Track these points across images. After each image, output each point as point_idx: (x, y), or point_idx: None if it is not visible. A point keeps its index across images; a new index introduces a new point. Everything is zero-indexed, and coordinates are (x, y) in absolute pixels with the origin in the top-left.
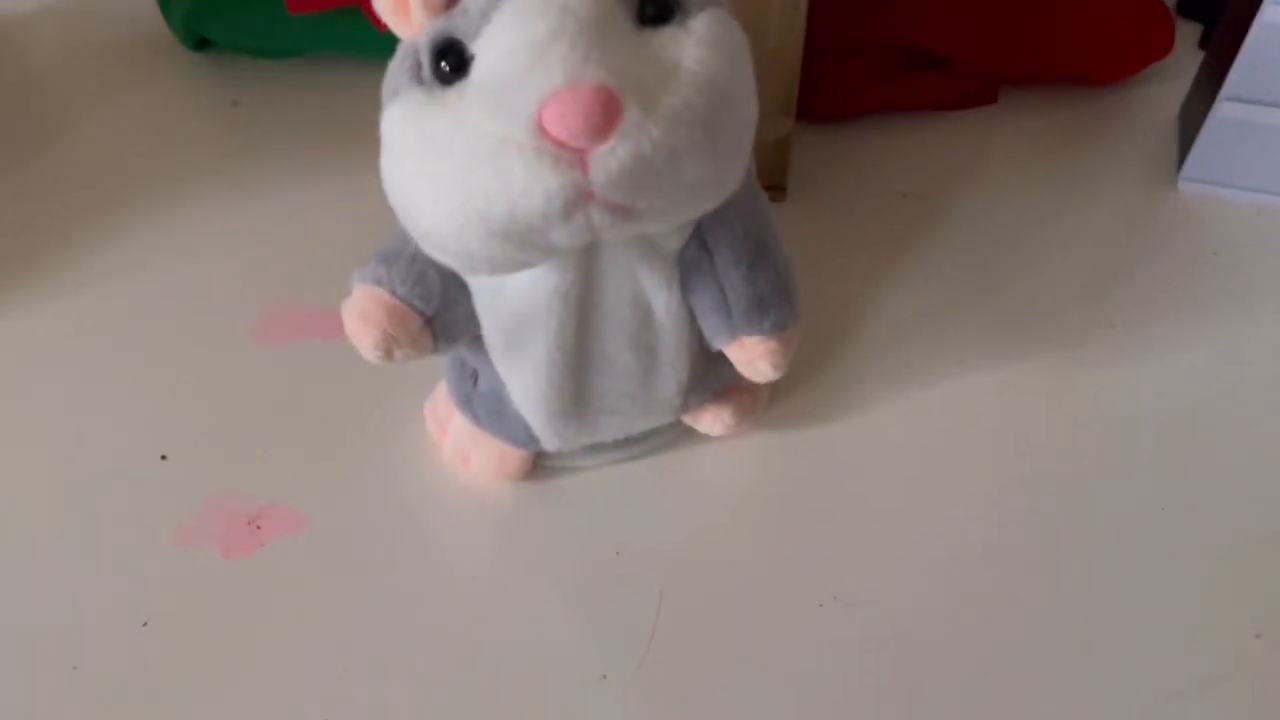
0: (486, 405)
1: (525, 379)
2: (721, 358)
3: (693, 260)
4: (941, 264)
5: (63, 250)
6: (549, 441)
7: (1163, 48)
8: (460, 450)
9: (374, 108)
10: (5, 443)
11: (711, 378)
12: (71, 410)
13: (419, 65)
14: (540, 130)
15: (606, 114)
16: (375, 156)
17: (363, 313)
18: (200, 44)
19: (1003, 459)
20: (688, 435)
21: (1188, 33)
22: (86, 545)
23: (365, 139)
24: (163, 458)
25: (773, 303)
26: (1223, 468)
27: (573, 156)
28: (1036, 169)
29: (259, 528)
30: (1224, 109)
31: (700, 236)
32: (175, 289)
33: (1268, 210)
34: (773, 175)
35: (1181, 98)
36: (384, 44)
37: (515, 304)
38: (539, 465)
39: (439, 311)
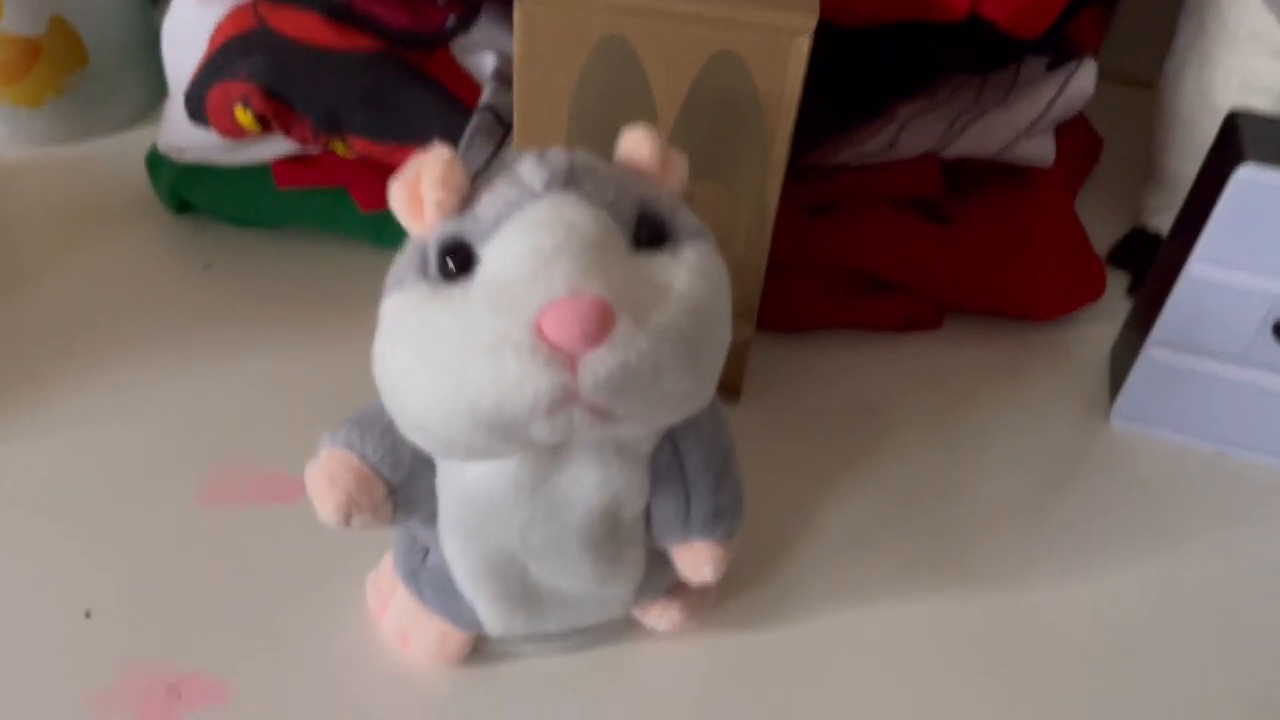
0: (433, 582)
1: (473, 564)
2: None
3: (664, 465)
4: (890, 478)
5: (13, 397)
6: (493, 627)
7: (1095, 291)
8: (400, 628)
9: (343, 280)
10: None
11: (661, 575)
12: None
13: (425, 261)
14: (538, 332)
15: (601, 324)
16: (340, 326)
17: (330, 475)
18: (182, 207)
19: (944, 676)
20: (633, 628)
21: (1116, 281)
22: None
23: (331, 309)
24: (87, 615)
25: (729, 513)
26: (1157, 691)
27: (564, 359)
28: (980, 394)
29: (179, 696)
30: (1153, 352)
31: (673, 441)
32: (125, 444)
33: (1195, 453)
34: (731, 377)
35: (1112, 338)
36: (362, 224)
37: (475, 488)
38: (479, 649)
39: (404, 483)
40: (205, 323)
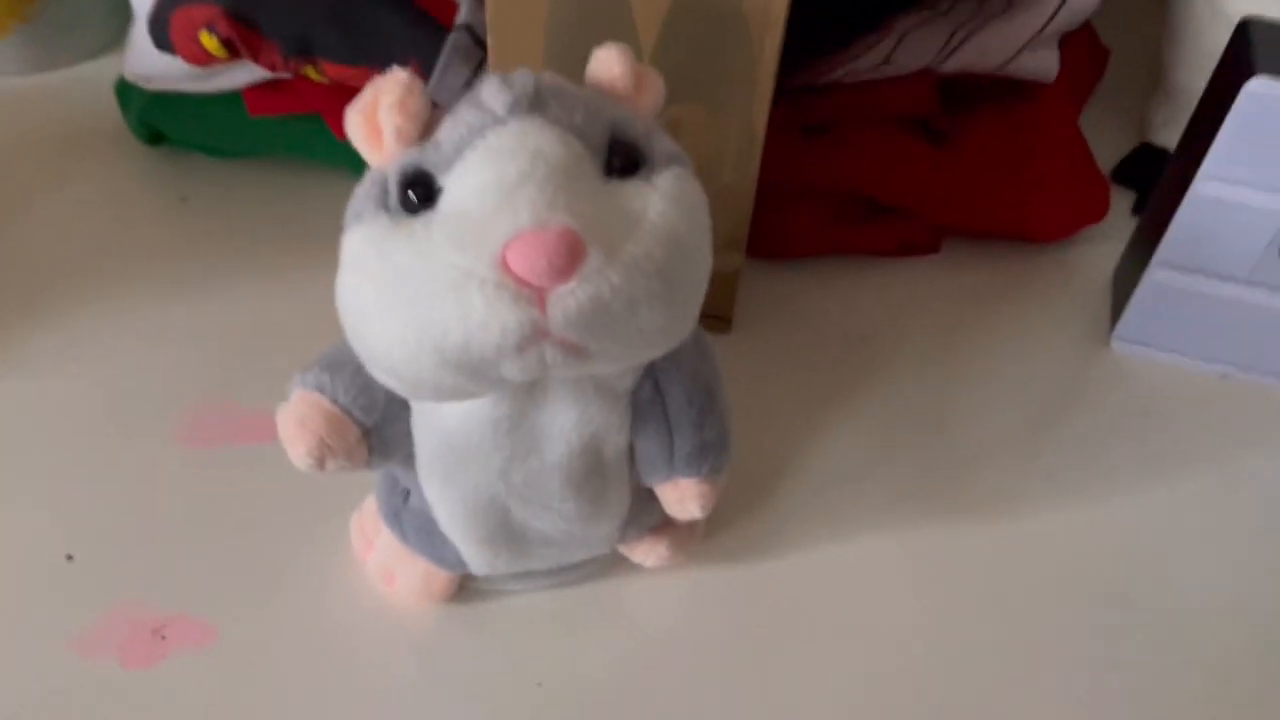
0: (415, 523)
1: (454, 506)
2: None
3: (646, 401)
4: (882, 406)
5: None
6: (477, 567)
7: (1098, 212)
8: (384, 568)
9: (323, 212)
10: None
11: (647, 512)
12: None
13: (386, 192)
14: (503, 267)
15: (569, 256)
16: (320, 260)
17: (300, 418)
18: (155, 139)
19: (937, 604)
20: (619, 564)
21: (1121, 199)
22: None
23: (311, 242)
24: (69, 558)
25: (714, 449)
26: (1154, 617)
27: (532, 294)
28: (977, 319)
29: (164, 638)
30: (1156, 274)
31: (653, 377)
32: (102, 382)
33: (1198, 375)
34: (721, 306)
35: (1115, 260)
36: (339, 151)
37: (451, 429)
38: (465, 587)
39: (378, 425)
40: (182, 258)
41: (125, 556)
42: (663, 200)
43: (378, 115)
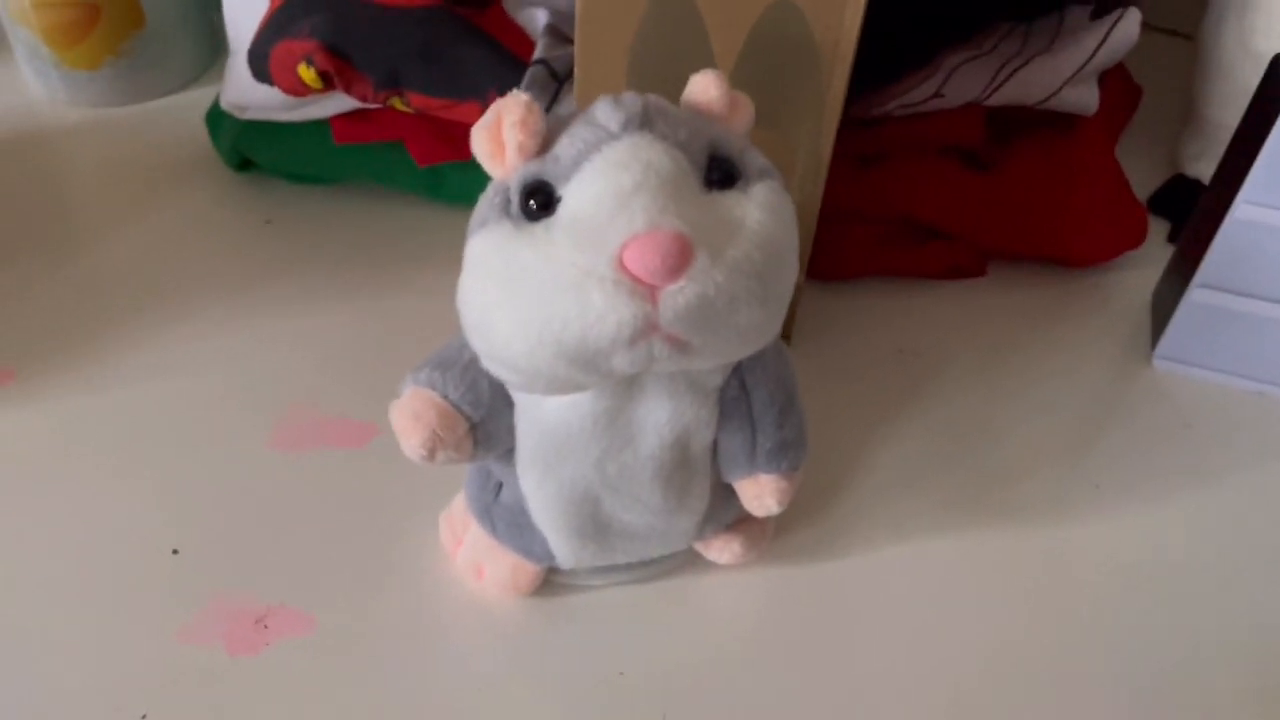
0: (506, 517)
1: (549, 497)
2: (734, 490)
3: (731, 399)
4: (936, 419)
5: (91, 350)
6: (565, 559)
7: (1137, 238)
8: (474, 561)
9: (398, 235)
10: (24, 529)
11: (725, 509)
12: (89, 502)
13: (508, 201)
14: (620, 266)
15: (681, 257)
16: (395, 280)
17: (414, 412)
18: (243, 165)
19: (994, 607)
20: (695, 561)
21: (1157, 228)
22: (92, 633)
23: (387, 263)
24: (174, 552)
25: (793, 446)
26: (1200, 624)
27: (646, 291)
28: (1022, 338)
29: (266, 627)
30: (1196, 294)
31: (740, 376)
32: (197, 393)
33: (1236, 392)
34: (782, 324)
35: (1153, 285)
36: (418, 178)
37: (553, 422)
38: (549, 582)
39: (484, 419)
40: (267, 277)
41: (226, 551)
42: (759, 209)
43: (501, 131)
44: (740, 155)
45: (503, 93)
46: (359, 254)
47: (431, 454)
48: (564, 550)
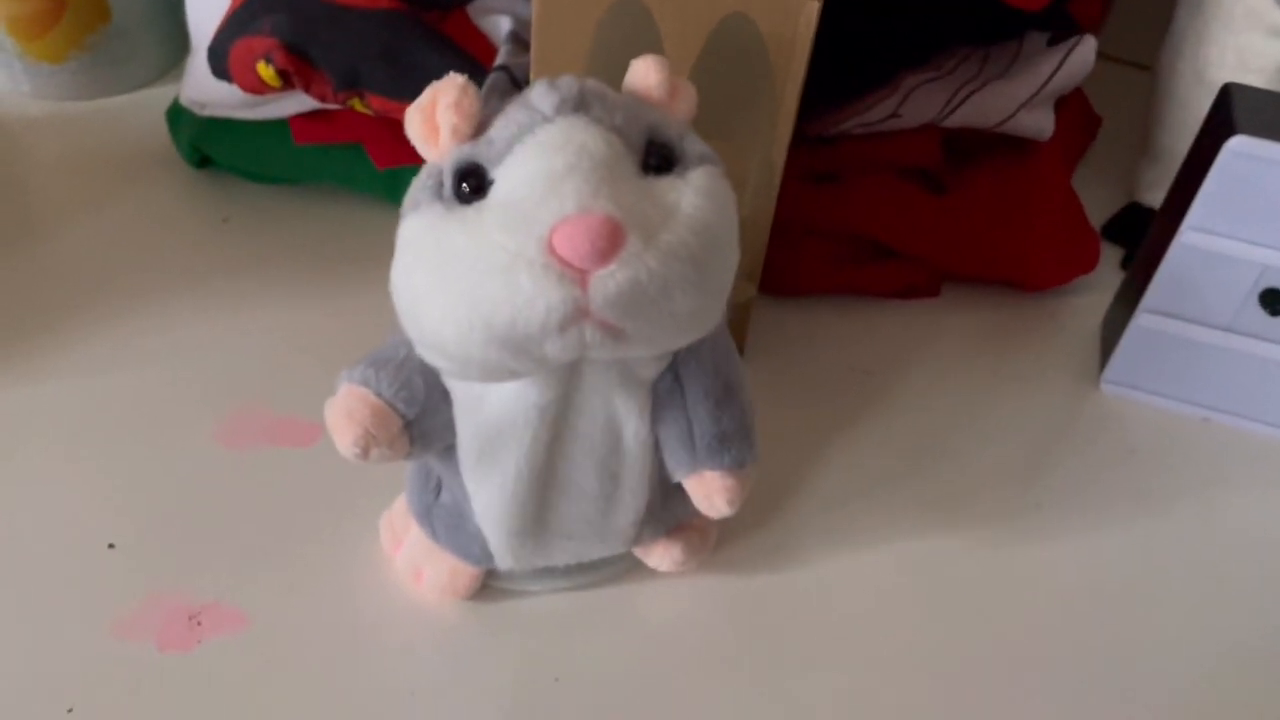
0: (445, 519)
1: (491, 492)
2: (677, 494)
3: (665, 391)
4: (882, 435)
5: (41, 341)
6: (503, 560)
7: (1089, 263)
8: (413, 564)
9: (355, 235)
10: None
11: (666, 513)
12: (28, 492)
13: (441, 184)
14: (550, 249)
15: (611, 241)
16: (350, 279)
17: (347, 410)
18: (202, 163)
19: (934, 624)
20: (635, 568)
21: (1110, 254)
22: (21, 625)
23: (343, 263)
24: (110, 546)
25: (734, 440)
26: (1139, 645)
27: (576, 276)
28: (974, 359)
29: (199, 624)
30: (1143, 319)
31: (674, 369)
32: (144, 387)
33: (1181, 417)
34: (735, 335)
35: (1104, 310)
36: (376, 180)
37: (494, 415)
38: (488, 587)
39: (419, 417)
40: (222, 275)
41: (163, 547)
42: (696, 194)
43: (436, 114)
44: (679, 140)
45: None
46: (316, 253)
47: (365, 452)
48: (503, 550)
